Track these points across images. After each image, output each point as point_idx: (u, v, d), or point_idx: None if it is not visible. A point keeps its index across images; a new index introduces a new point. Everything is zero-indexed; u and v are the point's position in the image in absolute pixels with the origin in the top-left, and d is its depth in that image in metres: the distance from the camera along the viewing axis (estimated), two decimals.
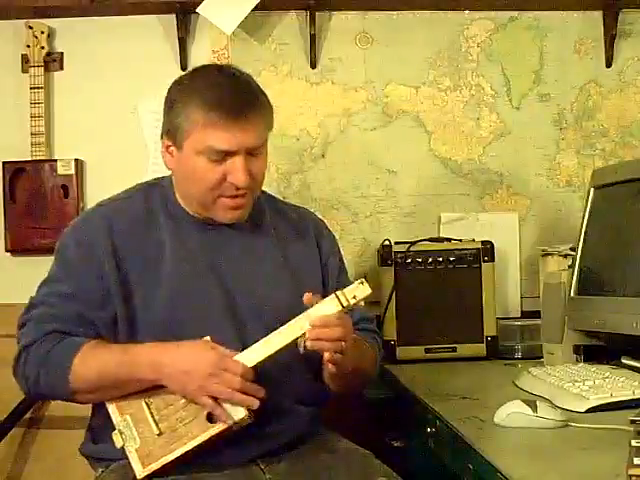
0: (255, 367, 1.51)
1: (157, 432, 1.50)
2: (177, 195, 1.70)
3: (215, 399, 1.49)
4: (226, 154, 1.58)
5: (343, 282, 1.81)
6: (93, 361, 1.55)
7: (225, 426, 1.49)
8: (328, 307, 1.51)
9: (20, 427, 2.44)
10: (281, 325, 1.65)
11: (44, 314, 1.61)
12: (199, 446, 1.49)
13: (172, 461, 1.48)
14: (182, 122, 1.59)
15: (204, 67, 1.75)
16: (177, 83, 1.67)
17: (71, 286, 1.62)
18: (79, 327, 1.60)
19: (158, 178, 1.77)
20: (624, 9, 2.59)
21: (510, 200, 2.63)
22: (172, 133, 1.62)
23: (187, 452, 1.48)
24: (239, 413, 1.48)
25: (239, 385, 1.48)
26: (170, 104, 1.64)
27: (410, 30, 2.61)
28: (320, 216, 1.97)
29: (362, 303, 1.55)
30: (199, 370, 1.49)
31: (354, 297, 1.51)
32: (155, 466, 1.48)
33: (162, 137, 1.66)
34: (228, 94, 1.59)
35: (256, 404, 1.49)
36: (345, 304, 1.51)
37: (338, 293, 1.52)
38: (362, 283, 1.52)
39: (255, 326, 1.62)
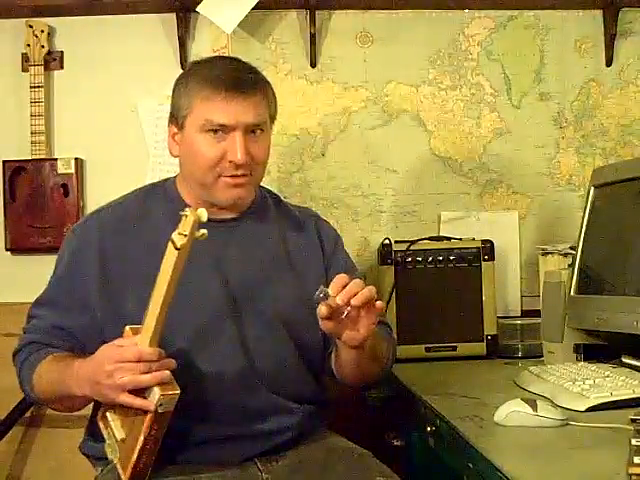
0: (153, 342, 1.40)
1: (121, 437, 1.46)
2: (182, 191, 1.70)
3: (134, 392, 1.41)
4: (225, 130, 1.59)
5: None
6: (44, 377, 1.56)
7: (150, 414, 1.39)
8: (168, 257, 1.34)
9: (20, 426, 2.45)
10: (281, 322, 1.65)
11: (30, 325, 1.65)
12: (148, 442, 1.41)
13: (136, 463, 1.42)
14: (183, 102, 1.61)
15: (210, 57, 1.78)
16: (183, 71, 1.71)
17: (54, 296, 1.64)
18: (56, 338, 1.61)
19: (163, 179, 1.77)
20: (624, 8, 2.59)
21: (510, 199, 2.63)
22: (175, 116, 1.64)
23: (143, 451, 1.41)
24: (155, 395, 1.39)
25: (143, 369, 1.39)
26: (174, 90, 1.66)
27: (410, 29, 2.61)
28: (320, 215, 1.96)
29: (203, 232, 1.33)
30: (100, 372, 1.41)
31: (183, 233, 1.31)
32: (129, 473, 1.43)
33: (168, 127, 1.68)
34: (228, 71, 1.62)
35: (166, 376, 1.40)
36: (180, 244, 1.31)
37: (172, 236, 1.32)
38: (185, 216, 1.31)
39: (255, 322, 1.62)
